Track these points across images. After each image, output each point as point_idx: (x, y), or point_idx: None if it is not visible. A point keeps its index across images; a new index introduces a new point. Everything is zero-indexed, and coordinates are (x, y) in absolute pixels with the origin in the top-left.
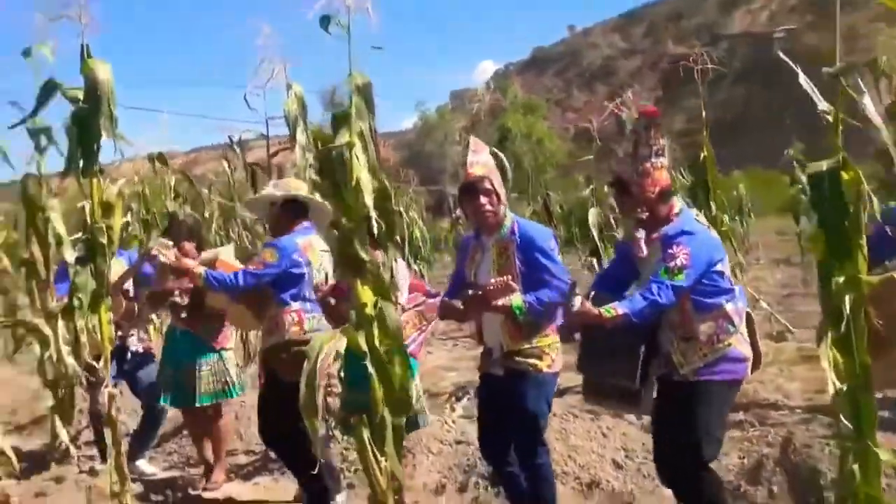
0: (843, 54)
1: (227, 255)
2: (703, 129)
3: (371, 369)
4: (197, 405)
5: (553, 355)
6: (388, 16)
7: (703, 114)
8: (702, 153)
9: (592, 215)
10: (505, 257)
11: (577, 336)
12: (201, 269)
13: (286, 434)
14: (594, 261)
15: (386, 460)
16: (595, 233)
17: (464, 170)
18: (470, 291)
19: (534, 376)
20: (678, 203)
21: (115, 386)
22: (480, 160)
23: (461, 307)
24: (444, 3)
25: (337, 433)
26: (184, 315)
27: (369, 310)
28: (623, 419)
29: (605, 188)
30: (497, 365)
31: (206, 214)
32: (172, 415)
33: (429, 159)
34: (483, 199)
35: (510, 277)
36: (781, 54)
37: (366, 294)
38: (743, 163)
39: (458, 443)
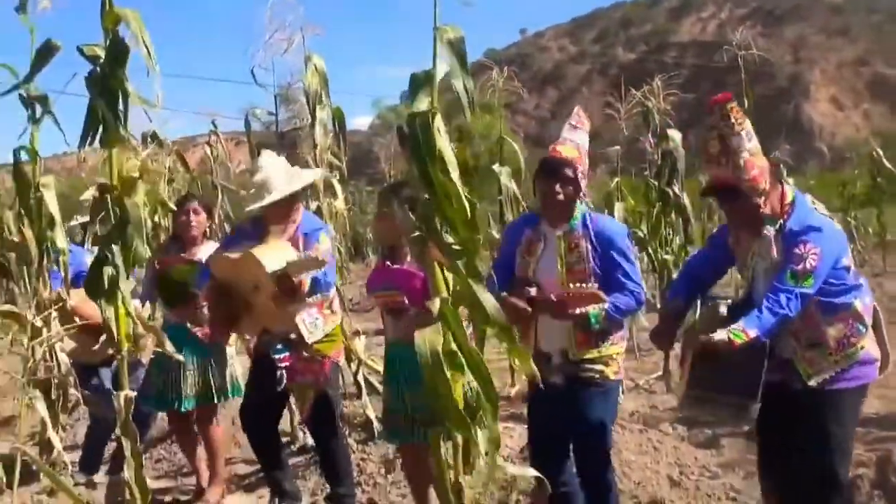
0: (790, 62)
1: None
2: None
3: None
4: (182, 410)
5: (620, 361)
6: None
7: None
8: None
9: (618, 210)
10: (576, 254)
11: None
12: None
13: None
14: None
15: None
16: None
17: (552, 145)
18: (533, 291)
19: (601, 385)
20: (788, 188)
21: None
22: (575, 139)
23: (527, 308)
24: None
25: (352, 441)
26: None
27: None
28: (659, 429)
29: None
30: (558, 373)
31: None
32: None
33: (378, 161)
34: (558, 187)
35: (585, 283)
36: None
37: (447, 282)
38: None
39: None
